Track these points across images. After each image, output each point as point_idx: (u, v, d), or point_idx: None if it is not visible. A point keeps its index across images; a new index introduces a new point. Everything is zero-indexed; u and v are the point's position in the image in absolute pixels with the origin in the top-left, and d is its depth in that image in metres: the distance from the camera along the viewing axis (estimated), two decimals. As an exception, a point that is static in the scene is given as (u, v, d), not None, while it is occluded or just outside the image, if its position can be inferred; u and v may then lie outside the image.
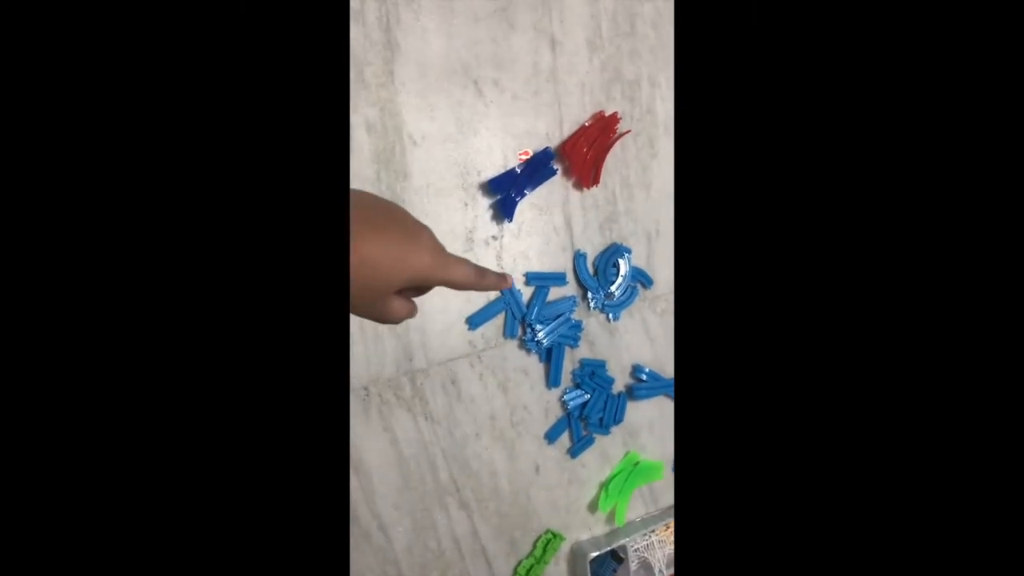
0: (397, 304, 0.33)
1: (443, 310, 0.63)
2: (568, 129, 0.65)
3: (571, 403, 0.69)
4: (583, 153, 0.64)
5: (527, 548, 0.71)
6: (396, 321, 0.34)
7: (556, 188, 0.66)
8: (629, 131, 0.67)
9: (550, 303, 0.67)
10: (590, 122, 0.65)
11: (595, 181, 0.65)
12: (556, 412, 0.70)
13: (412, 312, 0.34)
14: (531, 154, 0.64)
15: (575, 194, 0.67)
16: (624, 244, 0.69)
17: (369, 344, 0.61)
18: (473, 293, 0.64)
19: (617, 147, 0.66)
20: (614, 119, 0.65)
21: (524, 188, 0.63)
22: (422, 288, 0.35)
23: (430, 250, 0.33)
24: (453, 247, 0.63)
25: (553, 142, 0.65)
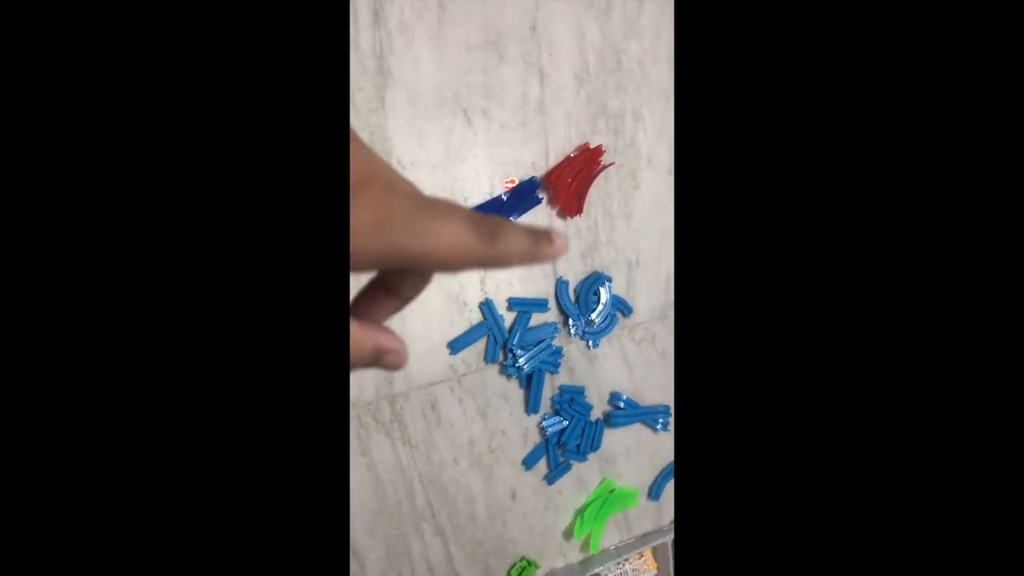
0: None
1: (425, 334, 0.63)
2: (554, 159, 0.66)
3: (549, 429, 0.69)
4: (567, 183, 0.66)
5: (501, 575, 0.71)
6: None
7: (540, 216, 0.67)
8: (613, 163, 0.69)
9: (532, 329, 0.67)
10: (575, 153, 0.66)
11: (578, 211, 0.67)
12: (534, 438, 0.70)
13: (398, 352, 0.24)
14: (517, 182, 0.65)
15: (558, 222, 0.68)
16: (605, 273, 0.70)
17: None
18: (455, 315, 0.64)
19: (600, 178, 0.68)
20: (599, 151, 0.67)
21: (509, 215, 0.64)
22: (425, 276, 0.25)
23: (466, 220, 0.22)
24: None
25: (539, 171, 0.66)
